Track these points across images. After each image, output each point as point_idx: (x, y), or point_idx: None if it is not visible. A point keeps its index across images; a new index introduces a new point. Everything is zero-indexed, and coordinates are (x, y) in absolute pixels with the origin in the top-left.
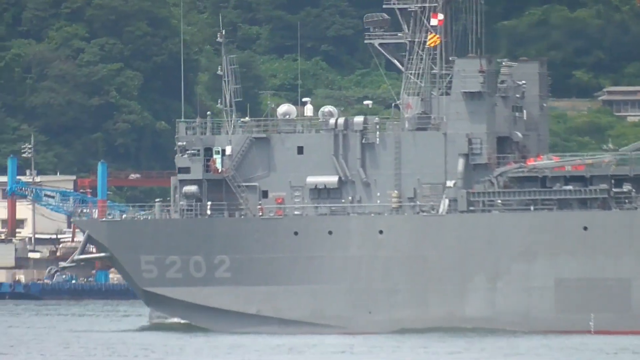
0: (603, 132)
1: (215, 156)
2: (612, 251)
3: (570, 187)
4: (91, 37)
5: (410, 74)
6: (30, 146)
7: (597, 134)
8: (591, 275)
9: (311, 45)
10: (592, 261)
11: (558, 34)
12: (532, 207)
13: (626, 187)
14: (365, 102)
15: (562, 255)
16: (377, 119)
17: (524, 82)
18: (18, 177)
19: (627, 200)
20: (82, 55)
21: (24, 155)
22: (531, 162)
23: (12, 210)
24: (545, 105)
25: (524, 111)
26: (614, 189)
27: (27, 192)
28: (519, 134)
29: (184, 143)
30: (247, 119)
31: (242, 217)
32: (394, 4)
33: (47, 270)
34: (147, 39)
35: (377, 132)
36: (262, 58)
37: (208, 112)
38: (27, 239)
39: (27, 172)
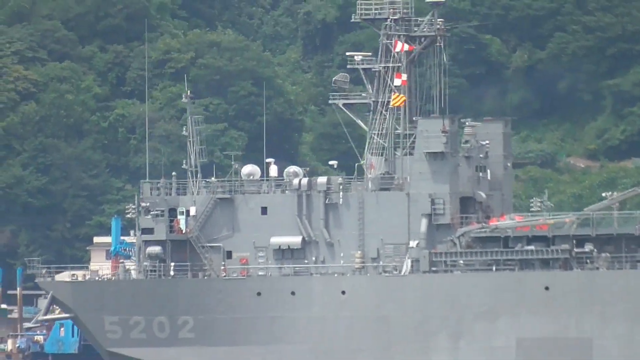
0: None
1: (179, 217)
2: (574, 311)
3: (532, 247)
4: (195, 97)
5: (374, 134)
6: (134, 207)
7: None
8: (553, 335)
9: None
10: (554, 321)
11: None
12: (494, 267)
13: (588, 247)
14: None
15: (523, 315)
16: (340, 179)
17: (487, 142)
18: (122, 237)
19: (588, 261)
20: (186, 115)
21: (127, 215)
22: (494, 222)
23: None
24: (509, 164)
25: (488, 171)
26: (575, 249)
27: (130, 253)
28: (483, 194)
29: (148, 204)
30: (212, 179)
31: (206, 277)
32: (357, 64)
33: None
34: (252, 98)
35: (341, 193)
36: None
37: (173, 173)
38: None
39: (131, 232)
